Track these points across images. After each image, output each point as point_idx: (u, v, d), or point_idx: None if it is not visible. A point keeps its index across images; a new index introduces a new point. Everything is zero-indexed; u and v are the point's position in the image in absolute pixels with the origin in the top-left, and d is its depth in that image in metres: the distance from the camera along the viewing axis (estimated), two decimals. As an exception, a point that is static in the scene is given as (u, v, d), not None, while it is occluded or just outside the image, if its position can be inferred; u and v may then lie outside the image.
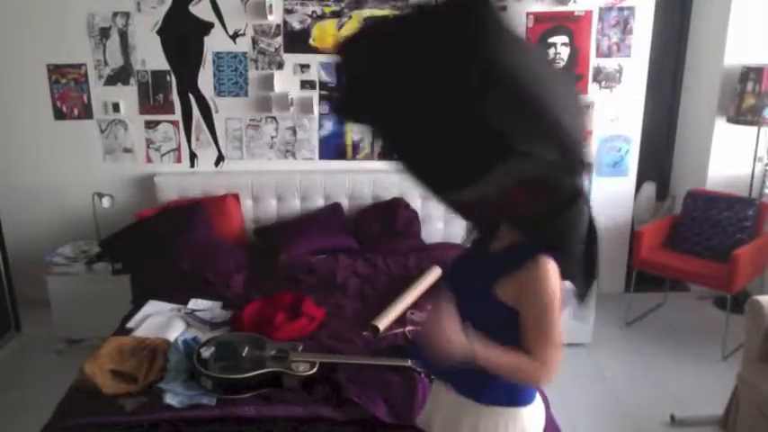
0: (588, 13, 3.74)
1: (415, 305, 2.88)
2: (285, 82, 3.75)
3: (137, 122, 3.79)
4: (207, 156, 3.86)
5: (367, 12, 3.67)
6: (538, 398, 1.54)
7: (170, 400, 2.12)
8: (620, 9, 3.73)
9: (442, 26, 1.15)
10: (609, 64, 3.81)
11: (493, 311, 1.38)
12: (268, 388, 2.20)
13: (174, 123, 3.80)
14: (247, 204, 3.82)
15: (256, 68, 3.74)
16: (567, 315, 1.42)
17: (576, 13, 3.74)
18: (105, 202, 3.64)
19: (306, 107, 3.79)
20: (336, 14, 3.68)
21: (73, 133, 3.76)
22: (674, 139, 4.35)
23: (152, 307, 2.91)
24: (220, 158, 3.87)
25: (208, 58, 3.71)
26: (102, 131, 3.79)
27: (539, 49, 1.19)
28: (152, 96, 3.75)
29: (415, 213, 3.76)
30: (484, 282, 1.40)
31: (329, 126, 3.86)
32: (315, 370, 2.24)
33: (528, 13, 3.73)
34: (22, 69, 3.66)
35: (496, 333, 1.35)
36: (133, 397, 2.15)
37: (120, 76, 3.71)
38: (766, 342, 2.49)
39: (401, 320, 2.75)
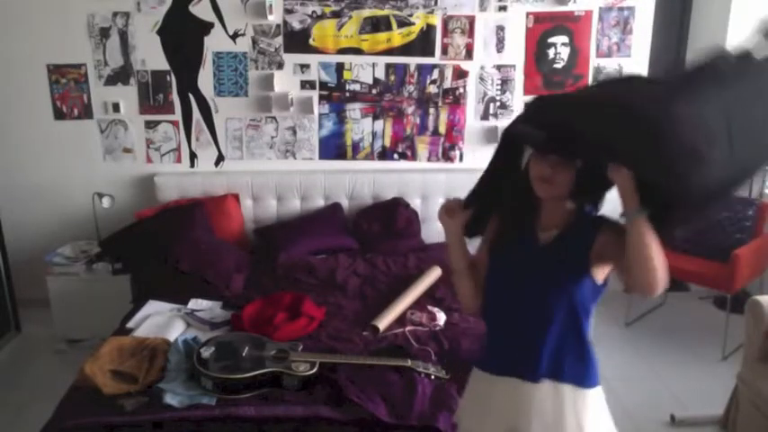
0: (588, 14, 3.74)
1: (415, 305, 2.88)
2: (285, 82, 3.75)
3: (137, 122, 3.79)
4: (207, 156, 3.86)
5: (367, 12, 3.67)
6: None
7: (170, 400, 2.12)
8: (620, 9, 3.74)
9: None
10: (609, 64, 3.81)
11: (584, 282, 1.48)
12: (268, 388, 2.20)
13: (174, 123, 3.80)
14: (247, 204, 3.82)
15: (256, 68, 3.74)
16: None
17: (576, 13, 3.74)
18: (105, 202, 3.64)
19: (306, 107, 3.79)
20: (336, 14, 3.68)
21: (73, 133, 3.76)
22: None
23: (152, 307, 2.91)
24: (220, 158, 3.87)
25: (208, 58, 3.71)
26: (102, 131, 3.79)
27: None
28: (152, 96, 3.75)
29: (415, 213, 3.76)
30: (570, 263, 1.47)
31: (329, 126, 3.86)
32: (315, 370, 2.24)
33: (528, 13, 3.73)
34: (22, 69, 3.66)
35: (585, 299, 1.50)
36: (133, 397, 2.15)
37: (120, 76, 3.71)
38: (766, 342, 2.49)
39: (401, 320, 2.75)
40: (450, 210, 1.60)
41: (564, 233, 1.51)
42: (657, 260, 1.32)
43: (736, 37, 3.78)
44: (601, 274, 1.50)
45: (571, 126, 1.36)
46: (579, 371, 1.55)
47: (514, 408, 1.56)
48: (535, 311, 1.52)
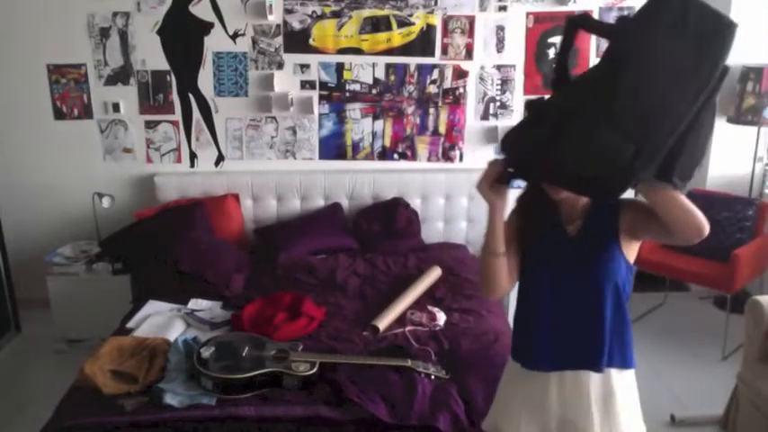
0: (588, 14, 3.74)
1: (415, 305, 2.88)
2: (285, 82, 3.75)
3: (137, 122, 3.79)
4: (207, 156, 3.86)
5: (367, 12, 3.67)
6: None
7: (170, 400, 2.12)
8: (620, 9, 3.74)
9: None
10: (609, 64, 3.81)
11: (619, 261, 1.54)
12: (268, 388, 2.20)
13: (174, 123, 3.80)
14: (247, 204, 3.82)
15: (256, 68, 3.73)
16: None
17: (576, 14, 3.74)
18: (105, 202, 3.64)
19: (306, 107, 3.79)
20: (336, 14, 3.68)
21: (73, 133, 3.76)
22: (674, 139, 4.35)
23: (152, 307, 2.91)
24: (220, 158, 3.87)
25: (208, 58, 3.71)
26: (102, 131, 3.79)
27: None
28: (152, 96, 3.75)
29: (415, 213, 3.76)
30: (604, 246, 1.53)
31: (329, 126, 3.86)
32: (315, 370, 2.24)
33: (528, 13, 3.73)
34: (22, 69, 3.65)
35: (624, 280, 1.56)
36: (133, 397, 2.15)
37: (120, 76, 3.71)
38: (766, 342, 2.49)
39: (401, 320, 2.76)
40: (496, 190, 1.49)
41: (588, 221, 1.56)
42: (688, 206, 1.37)
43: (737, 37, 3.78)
44: (631, 253, 1.56)
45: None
46: (623, 353, 1.61)
47: (568, 400, 1.59)
48: (588, 301, 1.55)
